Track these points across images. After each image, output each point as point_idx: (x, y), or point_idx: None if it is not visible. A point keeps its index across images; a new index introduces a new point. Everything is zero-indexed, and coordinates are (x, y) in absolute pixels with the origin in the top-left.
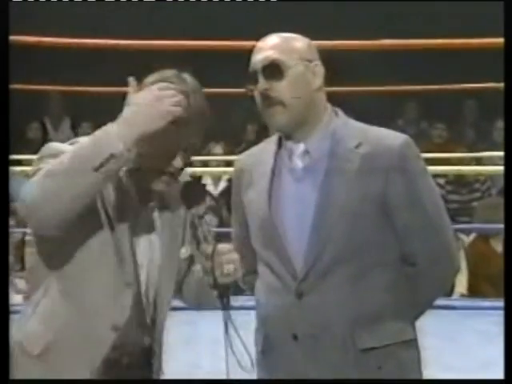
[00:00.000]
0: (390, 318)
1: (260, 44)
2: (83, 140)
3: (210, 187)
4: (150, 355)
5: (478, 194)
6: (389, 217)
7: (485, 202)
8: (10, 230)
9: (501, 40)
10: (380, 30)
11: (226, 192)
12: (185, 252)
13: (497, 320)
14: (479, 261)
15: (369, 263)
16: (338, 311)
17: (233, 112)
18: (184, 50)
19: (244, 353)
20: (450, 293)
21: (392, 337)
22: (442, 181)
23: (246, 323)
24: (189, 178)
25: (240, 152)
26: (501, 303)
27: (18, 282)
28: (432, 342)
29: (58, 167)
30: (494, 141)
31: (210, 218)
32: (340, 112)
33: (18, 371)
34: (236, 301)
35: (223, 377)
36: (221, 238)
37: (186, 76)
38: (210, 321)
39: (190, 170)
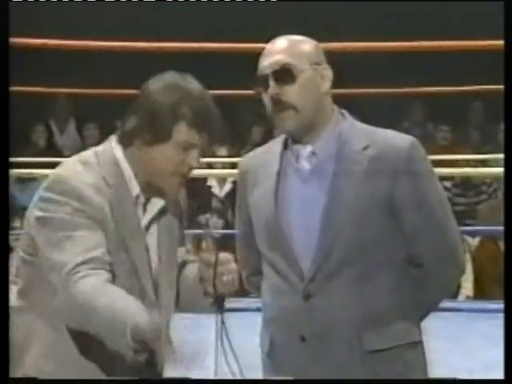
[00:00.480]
0: (397, 320)
1: (268, 47)
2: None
3: (215, 189)
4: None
5: (484, 197)
6: (396, 218)
7: (489, 204)
8: (17, 232)
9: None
10: (385, 32)
11: (231, 194)
12: (179, 257)
13: (503, 322)
14: (486, 263)
15: (376, 264)
16: (345, 312)
17: (238, 114)
18: (190, 52)
19: (234, 358)
20: (455, 295)
21: (399, 338)
22: (448, 184)
23: (239, 326)
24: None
25: (245, 154)
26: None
27: None
28: (438, 344)
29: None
30: (499, 143)
31: (216, 221)
32: (346, 114)
33: None
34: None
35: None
36: (225, 241)
37: (190, 79)
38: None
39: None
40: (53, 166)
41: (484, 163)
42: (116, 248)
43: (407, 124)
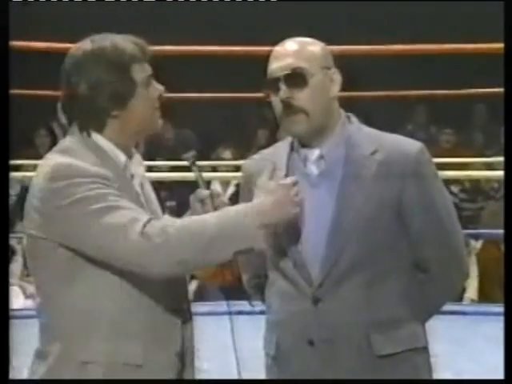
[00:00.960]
0: (406, 324)
1: (278, 50)
2: (214, 224)
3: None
4: None
5: (492, 202)
6: (403, 222)
7: (491, 208)
8: (20, 234)
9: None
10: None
11: (235, 197)
12: None
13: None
14: (490, 266)
15: (385, 269)
16: (354, 317)
17: (243, 117)
18: (195, 54)
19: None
20: (459, 298)
21: (407, 343)
22: (456, 189)
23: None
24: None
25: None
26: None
27: (28, 286)
28: (442, 348)
29: (193, 245)
30: (503, 145)
31: None
32: (353, 117)
33: None
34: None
35: None
36: None
37: (94, 37)
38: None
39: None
40: None
41: (488, 166)
42: None
43: (411, 127)
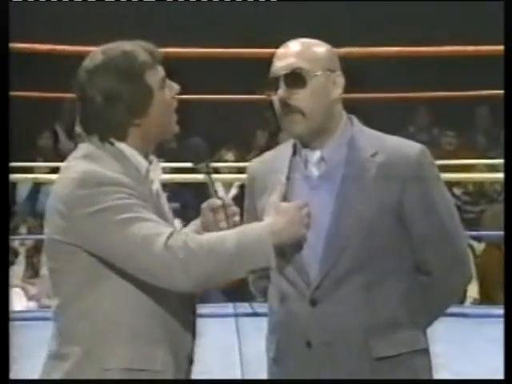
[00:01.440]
0: (404, 327)
1: (282, 50)
2: (233, 243)
3: (221, 194)
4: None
5: (495, 204)
6: (404, 225)
7: (493, 210)
8: (23, 236)
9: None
10: (389, 36)
11: (238, 198)
12: None
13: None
14: (492, 268)
15: (384, 271)
16: (352, 319)
17: (243, 118)
18: (198, 57)
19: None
20: (462, 300)
21: (407, 345)
22: (459, 191)
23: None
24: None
25: (251, 158)
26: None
27: (30, 288)
28: (444, 350)
29: (213, 262)
30: None
31: None
32: (355, 120)
33: None
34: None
35: None
36: None
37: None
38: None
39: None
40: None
41: (490, 168)
42: None
43: (413, 129)
